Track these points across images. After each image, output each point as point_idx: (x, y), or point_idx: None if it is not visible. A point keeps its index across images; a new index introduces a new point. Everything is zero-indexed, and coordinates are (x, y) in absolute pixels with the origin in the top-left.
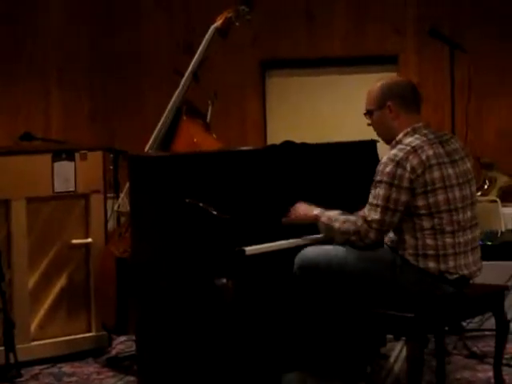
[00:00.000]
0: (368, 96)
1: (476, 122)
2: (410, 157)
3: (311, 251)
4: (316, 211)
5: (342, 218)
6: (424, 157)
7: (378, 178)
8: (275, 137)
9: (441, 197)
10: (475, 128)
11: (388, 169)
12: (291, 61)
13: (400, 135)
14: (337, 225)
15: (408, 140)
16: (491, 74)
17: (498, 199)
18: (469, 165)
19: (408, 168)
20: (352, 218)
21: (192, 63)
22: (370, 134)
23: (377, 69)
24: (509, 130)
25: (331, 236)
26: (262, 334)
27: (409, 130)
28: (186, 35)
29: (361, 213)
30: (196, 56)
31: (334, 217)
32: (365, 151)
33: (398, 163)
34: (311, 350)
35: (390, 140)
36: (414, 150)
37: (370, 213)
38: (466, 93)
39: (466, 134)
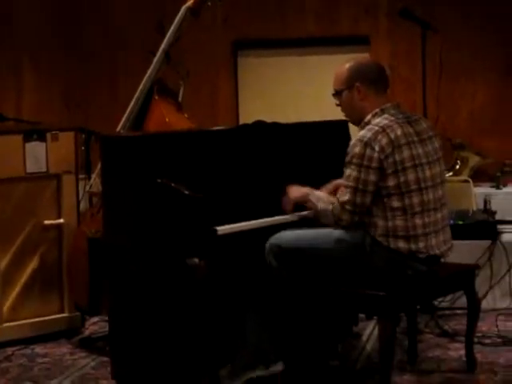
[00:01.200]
0: (336, 77)
1: (448, 103)
2: (379, 137)
3: (281, 236)
4: (306, 190)
5: (322, 197)
6: (393, 136)
7: (347, 159)
8: (247, 117)
9: (411, 176)
10: (447, 108)
11: (357, 150)
12: (263, 41)
13: (369, 116)
14: (320, 205)
15: (376, 120)
16: (463, 55)
17: (469, 179)
18: (437, 144)
19: (377, 148)
20: (331, 199)
21: (164, 43)
22: (341, 114)
23: (349, 49)
24: (480, 110)
25: (316, 215)
26: (234, 313)
27: (377, 110)
28: (158, 15)
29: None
30: (168, 36)
31: (321, 198)
32: (336, 131)
33: (367, 144)
34: (283, 329)
35: (357, 121)
36: (383, 129)
37: (342, 194)
38: (438, 73)
39: (438, 113)
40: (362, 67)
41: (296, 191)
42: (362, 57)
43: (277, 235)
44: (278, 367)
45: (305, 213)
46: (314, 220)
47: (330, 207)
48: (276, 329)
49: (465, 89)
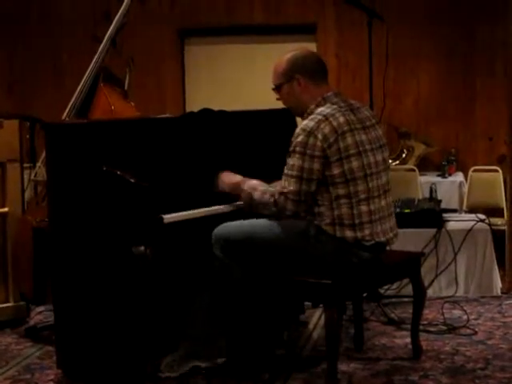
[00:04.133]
0: (275, 71)
1: (394, 91)
2: (322, 125)
3: (227, 228)
4: (238, 178)
5: (262, 188)
6: (336, 124)
7: (291, 148)
8: (194, 105)
9: (355, 163)
10: (393, 97)
11: (300, 139)
12: (210, 29)
13: (312, 106)
14: (256, 195)
15: (319, 109)
16: (408, 43)
17: (415, 168)
18: (380, 131)
19: (320, 137)
20: (271, 189)
21: (110, 30)
22: None
23: (296, 38)
24: (426, 99)
25: (252, 205)
26: (180, 301)
27: (319, 99)
28: (104, 2)
29: (279, 184)
30: (114, 22)
31: (254, 187)
32: (283, 119)
33: (310, 133)
34: (229, 317)
35: (300, 113)
36: (326, 118)
37: (285, 184)
38: (384, 62)
39: (384, 102)
40: (300, 59)
41: (228, 178)
42: (298, 49)
43: (221, 227)
44: (221, 360)
45: (239, 203)
46: (248, 210)
47: (272, 199)
48: (222, 317)
49: (410, 78)
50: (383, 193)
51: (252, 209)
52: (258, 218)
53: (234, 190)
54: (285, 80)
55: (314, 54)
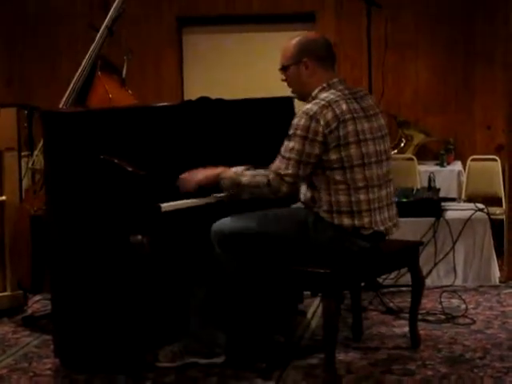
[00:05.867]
0: (283, 52)
1: (393, 80)
2: (325, 111)
3: (224, 222)
4: (218, 170)
5: (250, 172)
6: (338, 111)
7: (291, 131)
8: (192, 94)
9: (354, 151)
10: (392, 86)
11: (302, 122)
12: (208, 18)
13: (316, 91)
14: (245, 179)
15: (323, 95)
16: (408, 32)
17: (414, 157)
18: (383, 121)
19: (322, 122)
20: (261, 171)
21: (107, 17)
22: (287, 91)
23: (294, 27)
24: (425, 88)
25: (237, 191)
26: (178, 291)
27: (324, 85)
28: None
29: (272, 165)
30: (111, 11)
31: (240, 172)
32: (281, 108)
33: (312, 117)
34: (229, 306)
35: (304, 96)
36: (329, 104)
37: (282, 166)
38: (383, 51)
39: (383, 91)
40: (310, 43)
41: (202, 174)
42: (310, 32)
43: (219, 222)
44: (220, 359)
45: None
46: (231, 199)
47: (265, 179)
48: (219, 312)
49: (409, 67)
50: (384, 182)
51: (238, 196)
52: (255, 209)
53: (213, 182)
54: (292, 62)
55: (325, 39)
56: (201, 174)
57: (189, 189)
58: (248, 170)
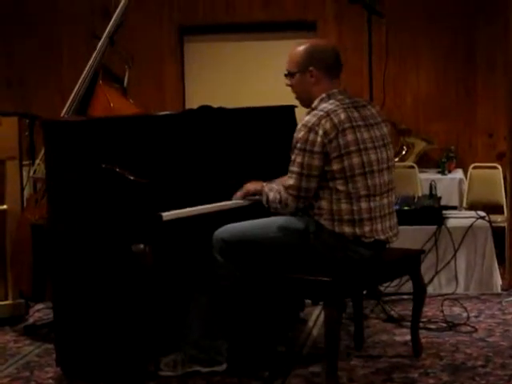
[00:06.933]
0: (290, 58)
1: (394, 88)
2: (323, 121)
3: (225, 230)
4: (263, 183)
5: (274, 187)
6: (336, 120)
7: (293, 144)
8: (194, 102)
9: (355, 160)
10: (393, 94)
11: (301, 135)
12: (209, 26)
13: (315, 102)
14: (269, 195)
15: (322, 106)
16: (409, 40)
17: (415, 165)
18: (385, 130)
19: (320, 132)
20: (278, 187)
21: (108, 27)
22: (288, 99)
23: (296, 35)
24: (426, 95)
25: (270, 207)
26: (180, 299)
27: (324, 96)
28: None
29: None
30: (112, 20)
31: (271, 188)
32: (283, 116)
33: (311, 129)
34: (230, 315)
35: (307, 104)
36: (327, 114)
37: (288, 180)
38: (384, 59)
39: (384, 99)
40: (318, 52)
41: (252, 185)
42: (319, 40)
43: (220, 229)
44: (221, 368)
45: (256, 197)
46: (267, 208)
47: (278, 196)
48: (221, 320)
49: (410, 75)
50: (386, 191)
51: (270, 209)
52: (257, 217)
53: (255, 191)
54: (298, 70)
55: (333, 48)
56: (251, 186)
57: (239, 196)
58: (278, 184)
